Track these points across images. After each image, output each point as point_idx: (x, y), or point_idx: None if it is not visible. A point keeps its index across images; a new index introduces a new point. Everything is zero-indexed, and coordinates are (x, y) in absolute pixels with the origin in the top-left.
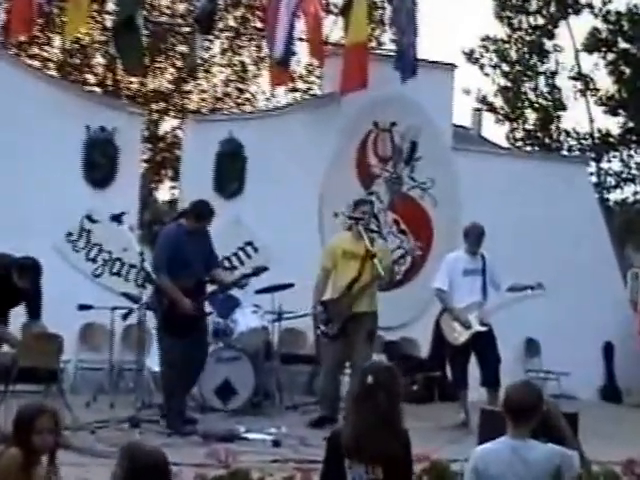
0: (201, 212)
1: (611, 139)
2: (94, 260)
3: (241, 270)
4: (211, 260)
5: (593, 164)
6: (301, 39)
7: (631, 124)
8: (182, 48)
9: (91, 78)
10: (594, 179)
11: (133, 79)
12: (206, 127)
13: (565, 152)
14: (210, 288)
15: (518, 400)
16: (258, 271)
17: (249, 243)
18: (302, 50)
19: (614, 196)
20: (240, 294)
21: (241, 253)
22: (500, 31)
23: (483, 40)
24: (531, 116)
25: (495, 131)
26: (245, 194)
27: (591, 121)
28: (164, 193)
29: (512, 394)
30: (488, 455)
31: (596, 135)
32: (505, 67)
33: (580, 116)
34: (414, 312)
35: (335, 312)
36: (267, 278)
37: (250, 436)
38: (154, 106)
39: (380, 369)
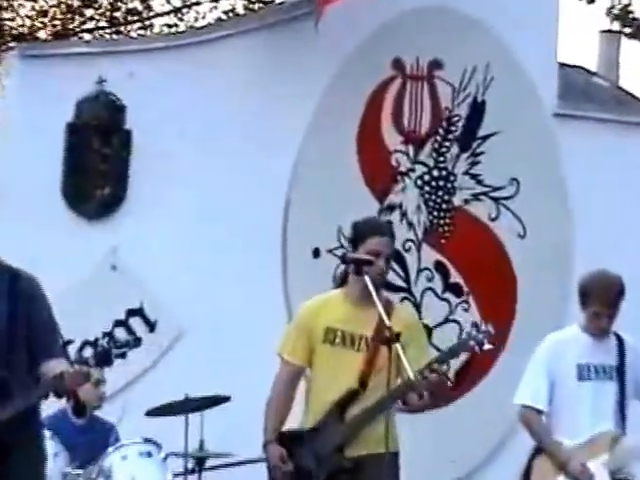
0: None
1: None
2: None
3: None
4: (38, 342)
5: None
6: None
7: None
8: None
9: None
10: None
11: None
12: (43, 67)
13: None
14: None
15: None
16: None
17: (136, 312)
18: None
19: None
20: (114, 417)
21: (121, 332)
22: None
23: None
24: None
25: None
26: (128, 205)
27: None
28: None
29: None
30: None
31: None
32: None
33: None
34: (477, 452)
35: (311, 457)
36: (175, 384)
37: None
38: None
39: None
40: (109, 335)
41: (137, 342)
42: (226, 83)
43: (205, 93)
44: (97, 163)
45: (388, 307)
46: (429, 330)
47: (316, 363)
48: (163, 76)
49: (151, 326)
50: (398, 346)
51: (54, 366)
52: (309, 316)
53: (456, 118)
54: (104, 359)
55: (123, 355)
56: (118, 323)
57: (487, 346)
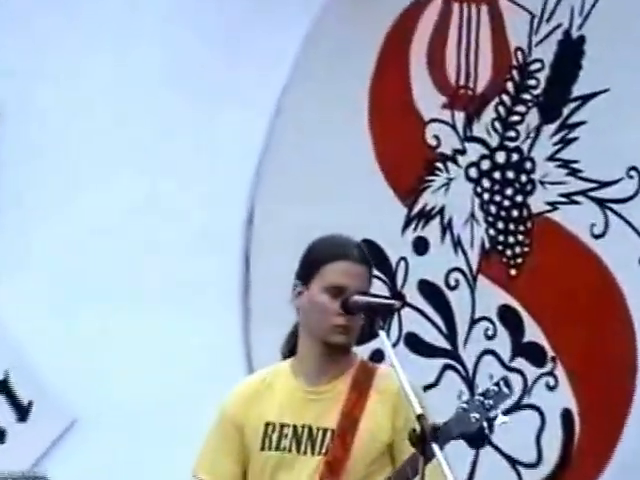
0: None
1: None
2: None
3: None
4: None
5: None
6: None
7: None
8: None
9: None
10: None
11: None
12: None
13: None
14: None
15: None
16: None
17: None
18: None
19: None
20: None
21: None
22: None
23: None
24: None
25: None
26: None
27: None
28: None
29: None
30: None
31: None
32: None
33: None
34: None
35: None
36: None
37: None
38: None
39: None
40: None
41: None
42: None
43: None
44: None
45: (363, 373)
46: (489, 423)
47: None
48: None
49: (22, 411)
50: (437, 451)
51: None
52: (236, 408)
53: (536, 66)
54: None
55: None
56: None
57: (501, 418)
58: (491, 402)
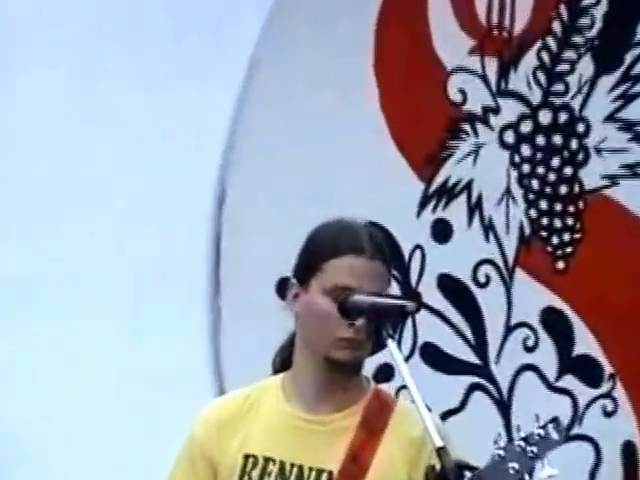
0: None
1: None
2: None
3: None
4: None
5: None
6: None
7: None
8: None
9: None
10: None
11: None
12: None
13: None
14: None
15: None
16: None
17: None
18: None
19: None
20: None
21: None
22: None
23: None
24: None
25: None
26: None
27: None
28: None
29: None
30: None
31: None
32: None
33: None
34: None
35: None
36: None
37: None
38: None
39: None
40: None
41: None
42: None
43: None
44: None
45: (377, 407)
46: (531, 476)
47: None
48: None
49: None
50: None
51: None
52: (206, 437)
53: (590, 0)
54: None
55: None
56: None
57: (548, 471)
58: (535, 450)
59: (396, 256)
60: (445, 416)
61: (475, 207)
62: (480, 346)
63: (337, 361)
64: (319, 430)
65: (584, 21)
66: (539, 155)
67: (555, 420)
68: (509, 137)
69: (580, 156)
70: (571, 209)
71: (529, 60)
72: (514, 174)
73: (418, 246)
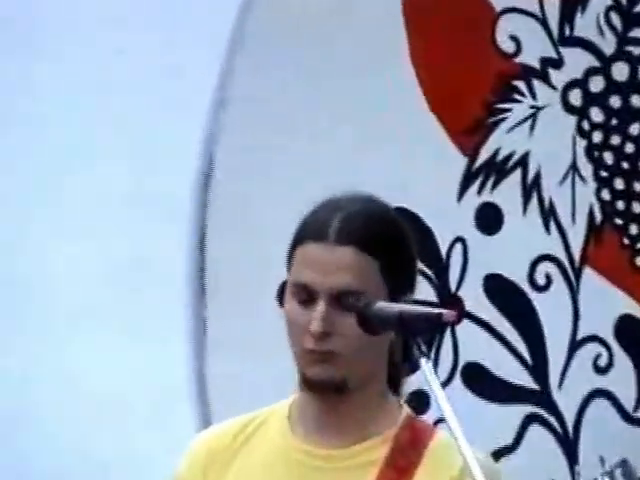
0: None
1: None
2: None
3: None
4: None
5: None
6: None
7: None
8: None
9: None
10: None
11: None
12: None
13: None
14: None
15: None
16: None
17: None
18: None
19: None
20: None
21: None
22: None
23: None
24: None
25: None
26: None
27: None
28: None
29: None
30: None
31: None
32: None
33: None
34: None
35: None
36: None
37: None
38: None
39: None
40: None
41: None
42: None
43: None
44: None
45: (408, 440)
46: None
47: None
48: None
49: None
50: None
51: None
52: (193, 476)
53: None
54: None
55: None
56: None
57: None
58: None
59: (431, 251)
60: (495, 455)
61: (532, 188)
62: (539, 367)
63: (309, 380)
64: (326, 467)
65: None
66: (614, 121)
67: (624, 463)
68: (575, 98)
69: None
70: None
71: (597, 7)
72: (582, 144)
73: (459, 238)
